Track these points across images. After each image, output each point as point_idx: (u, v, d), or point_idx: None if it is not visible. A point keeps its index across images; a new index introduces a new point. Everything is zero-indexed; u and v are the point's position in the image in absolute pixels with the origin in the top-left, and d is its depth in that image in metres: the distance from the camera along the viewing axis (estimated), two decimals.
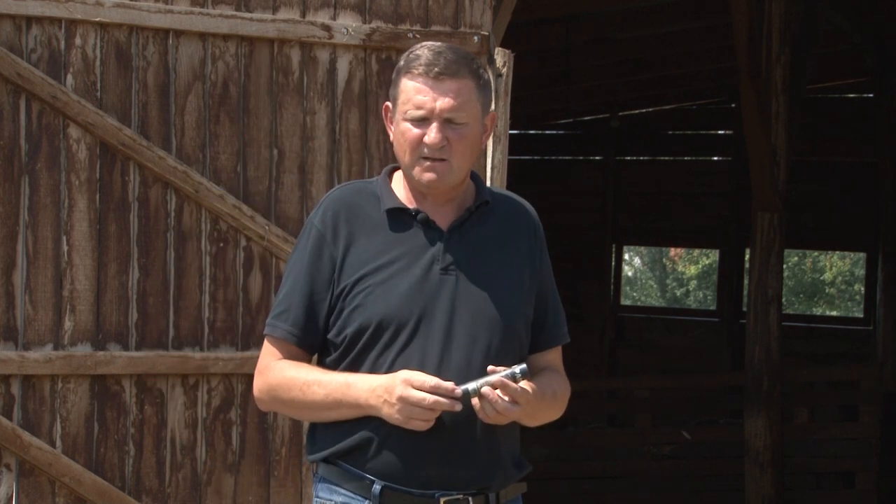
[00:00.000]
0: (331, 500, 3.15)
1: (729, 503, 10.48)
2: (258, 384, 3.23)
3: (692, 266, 27.55)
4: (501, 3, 5.36)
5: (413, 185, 3.18)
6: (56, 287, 4.67)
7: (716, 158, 14.88)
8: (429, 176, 3.12)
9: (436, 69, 3.09)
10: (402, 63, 3.15)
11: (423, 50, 3.13)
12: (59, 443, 4.68)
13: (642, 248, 26.79)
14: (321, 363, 3.21)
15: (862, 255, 15.68)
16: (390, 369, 3.08)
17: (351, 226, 3.16)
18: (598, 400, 13.59)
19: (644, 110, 14.83)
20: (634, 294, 27.50)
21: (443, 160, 3.11)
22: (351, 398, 3.07)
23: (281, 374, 3.17)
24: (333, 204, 3.20)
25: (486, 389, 3.00)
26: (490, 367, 3.04)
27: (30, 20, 4.64)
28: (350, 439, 3.11)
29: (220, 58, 4.86)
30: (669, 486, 11.01)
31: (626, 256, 26.92)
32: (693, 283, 27.46)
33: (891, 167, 12.52)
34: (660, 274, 28.65)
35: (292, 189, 4.96)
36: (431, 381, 3.00)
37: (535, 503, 11.20)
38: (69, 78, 4.69)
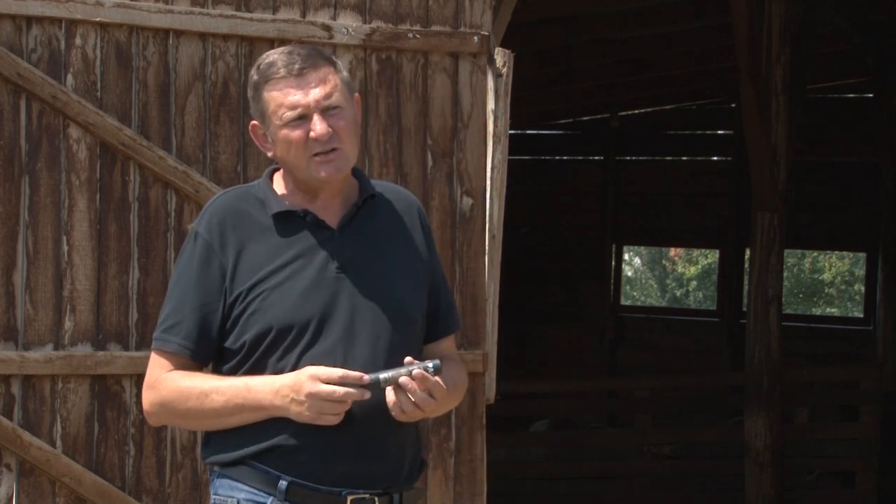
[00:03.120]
0: (231, 498, 3.10)
1: (729, 503, 10.48)
2: (148, 398, 3.17)
3: (692, 266, 27.54)
4: (501, 3, 5.36)
5: (306, 184, 3.13)
6: (56, 287, 4.67)
7: (716, 158, 14.87)
8: (328, 169, 3.09)
9: (295, 66, 3.08)
10: (256, 77, 3.12)
11: (273, 56, 3.11)
12: (59, 443, 4.68)
13: (642, 248, 26.78)
14: (217, 371, 3.17)
15: (862, 255, 15.67)
16: (294, 370, 3.04)
17: (239, 233, 3.11)
18: (598, 400, 13.60)
19: (644, 110, 14.82)
20: (634, 294, 27.48)
21: (335, 149, 3.08)
22: (253, 401, 3.03)
23: (174, 385, 3.12)
24: (218, 211, 3.15)
25: (404, 380, 2.98)
26: (407, 359, 3.02)
27: (30, 20, 4.64)
28: (260, 444, 3.06)
29: (221, 58, 4.86)
30: (669, 486, 11.01)
31: (626, 256, 26.92)
32: (693, 283, 27.46)
33: (891, 167, 12.52)
34: (660, 274, 28.64)
35: None
36: (338, 372, 2.97)
37: (535, 503, 11.24)
38: (69, 78, 4.69)
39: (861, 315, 15.71)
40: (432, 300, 3.24)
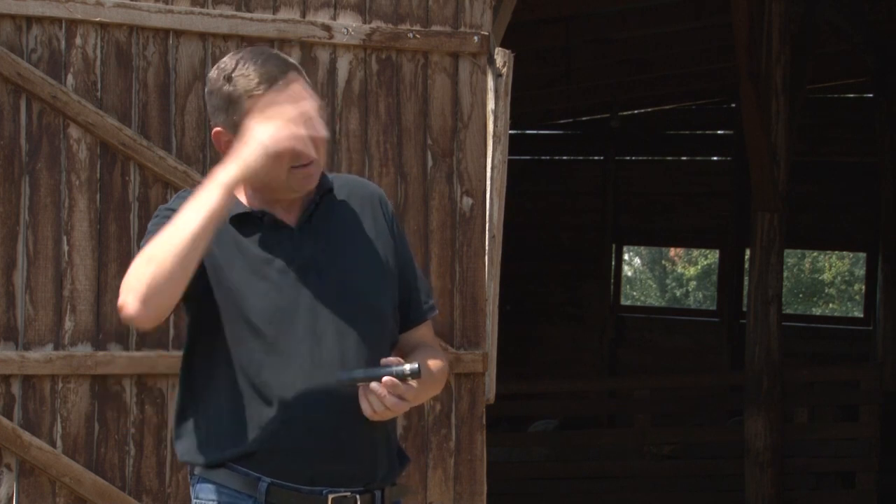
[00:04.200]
0: (212, 501, 3.08)
1: (729, 503, 10.48)
2: (124, 296, 2.91)
3: (692, 266, 27.55)
4: (501, 3, 5.36)
5: (268, 189, 3.08)
6: (56, 287, 4.67)
7: (716, 158, 14.88)
8: (308, 182, 3.07)
9: (279, 81, 3.02)
10: (231, 89, 3.05)
11: (249, 70, 3.05)
12: (59, 443, 4.68)
13: (642, 248, 26.78)
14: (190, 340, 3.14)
15: (862, 255, 15.67)
16: (260, 373, 3.02)
17: None
18: (598, 400, 13.61)
19: (644, 110, 14.83)
20: (634, 294, 27.49)
21: (313, 162, 3.05)
22: (211, 190, 2.91)
23: (140, 251, 2.98)
24: (185, 201, 3.04)
25: (374, 385, 2.96)
26: (383, 361, 2.99)
27: (30, 20, 4.64)
28: (241, 447, 3.04)
29: (221, 58, 4.86)
30: (669, 486, 11.01)
31: (626, 256, 26.92)
32: (693, 283, 27.46)
33: (891, 167, 12.52)
34: (660, 274, 28.65)
35: None
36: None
37: (535, 503, 11.24)
38: (69, 78, 4.69)
39: (861, 315, 15.72)
40: (402, 289, 3.20)
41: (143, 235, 3.13)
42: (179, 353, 4.74)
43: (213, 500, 3.08)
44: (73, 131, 4.69)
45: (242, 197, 3.13)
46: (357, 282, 3.11)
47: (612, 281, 15.22)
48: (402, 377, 2.98)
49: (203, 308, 3.08)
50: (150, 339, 4.79)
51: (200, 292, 3.05)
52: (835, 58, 12.62)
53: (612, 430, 12.24)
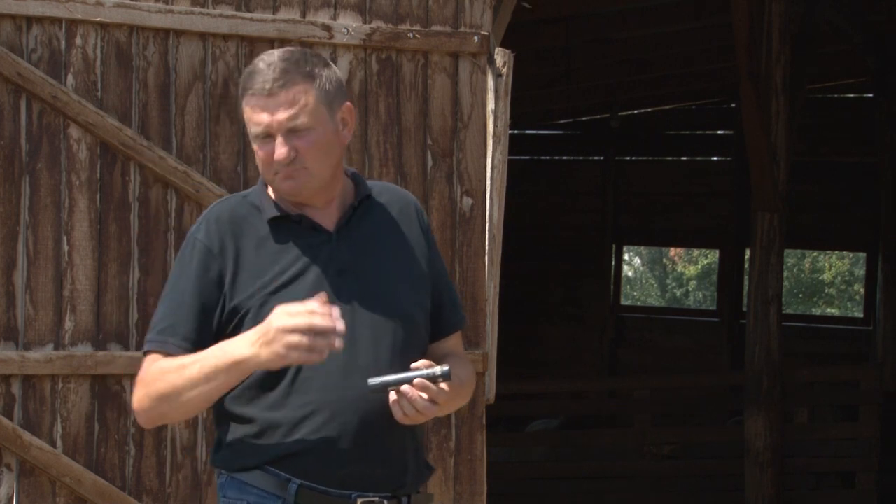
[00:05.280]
0: (242, 500, 3.09)
1: (729, 503, 10.48)
2: (136, 396, 3.13)
3: (692, 266, 27.55)
4: (501, 3, 5.36)
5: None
6: (56, 287, 4.67)
7: (716, 158, 14.88)
8: (288, 185, 3.09)
9: (266, 86, 3.06)
10: (241, 84, 3.13)
11: (256, 65, 3.10)
12: (59, 443, 4.68)
13: (642, 248, 26.78)
14: None
15: (862, 255, 15.67)
16: (295, 379, 3.05)
17: (237, 240, 3.12)
18: (598, 400, 13.60)
19: (644, 110, 14.83)
20: (634, 294, 27.49)
21: (299, 168, 3.08)
22: (227, 359, 2.98)
23: (156, 369, 3.08)
24: (217, 218, 3.15)
25: (405, 388, 2.98)
26: (413, 365, 3.02)
27: (30, 20, 4.64)
28: (272, 451, 3.05)
29: (221, 58, 4.86)
30: (669, 486, 11.01)
31: (626, 256, 26.92)
32: (693, 283, 27.46)
33: (891, 167, 12.52)
34: (660, 274, 28.65)
35: None
36: (306, 305, 2.92)
37: (535, 503, 11.24)
38: (69, 78, 4.69)
39: (861, 315, 15.71)
40: (435, 298, 3.24)
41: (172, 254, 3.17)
42: None
43: (241, 500, 3.10)
44: (74, 131, 4.69)
45: (277, 195, 3.17)
46: (392, 288, 3.14)
47: (612, 281, 15.22)
48: (432, 380, 3.00)
49: (235, 322, 3.10)
50: None
51: (228, 319, 3.10)
52: (835, 58, 12.62)
53: (612, 430, 12.23)
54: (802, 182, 12.45)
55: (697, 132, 14.96)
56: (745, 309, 11.91)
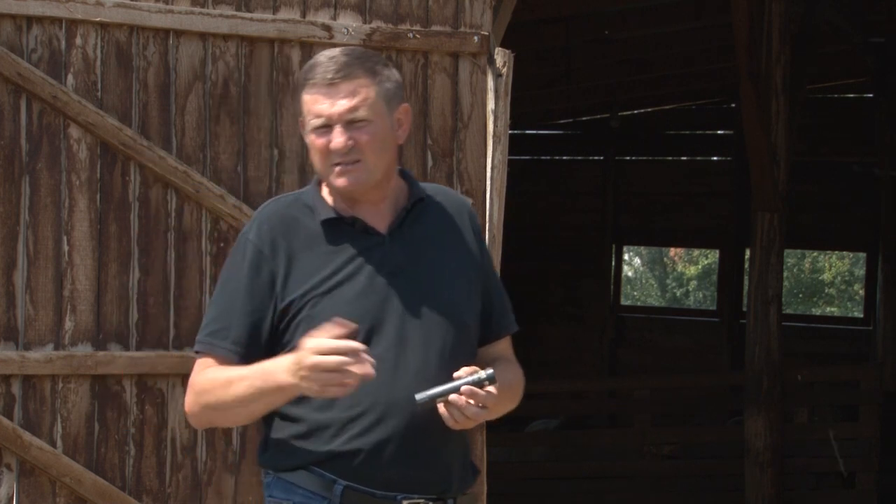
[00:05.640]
0: (287, 500, 3.11)
1: (729, 503, 10.48)
2: (188, 399, 3.19)
3: (692, 266, 27.54)
4: (501, 3, 5.36)
5: (335, 191, 3.16)
6: (56, 287, 4.67)
7: (716, 158, 14.88)
8: (342, 181, 3.11)
9: (328, 76, 3.09)
10: (299, 77, 3.17)
11: (317, 58, 3.14)
12: (59, 443, 4.68)
13: (642, 248, 26.78)
14: None
15: (862, 255, 15.67)
16: None
17: (289, 240, 3.13)
18: (598, 400, 13.60)
19: (644, 110, 14.83)
20: (634, 294, 27.49)
21: (356, 162, 3.10)
22: (271, 383, 3.02)
23: (205, 378, 3.13)
24: (269, 219, 3.17)
25: (453, 397, 2.99)
26: (456, 374, 3.02)
27: (30, 20, 4.64)
28: (319, 452, 3.07)
29: (221, 58, 4.86)
30: (669, 486, 11.00)
31: (626, 256, 26.92)
32: (693, 283, 27.46)
33: (891, 167, 12.52)
34: (660, 274, 28.65)
35: (292, 189, 4.95)
36: (333, 343, 2.93)
37: (535, 503, 11.24)
38: (70, 78, 4.69)
39: (861, 315, 15.71)
40: (485, 302, 3.24)
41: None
42: (179, 354, 4.78)
43: (287, 500, 3.11)
44: (74, 131, 4.69)
45: (330, 196, 3.18)
46: (443, 291, 3.15)
47: (612, 281, 15.22)
48: (479, 384, 3.00)
49: (286, 322, 3.12)
50: (151, 339, 4.79)
51: (279, 319, 3.12)
52: (835, 58, 12.62)
53: (612, 430, 12.23)
54: (802, 182, 12.45)
55: (697, 132, 14.96)
56: (745, 309, 11.91)
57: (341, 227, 3.15)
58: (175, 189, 4.80)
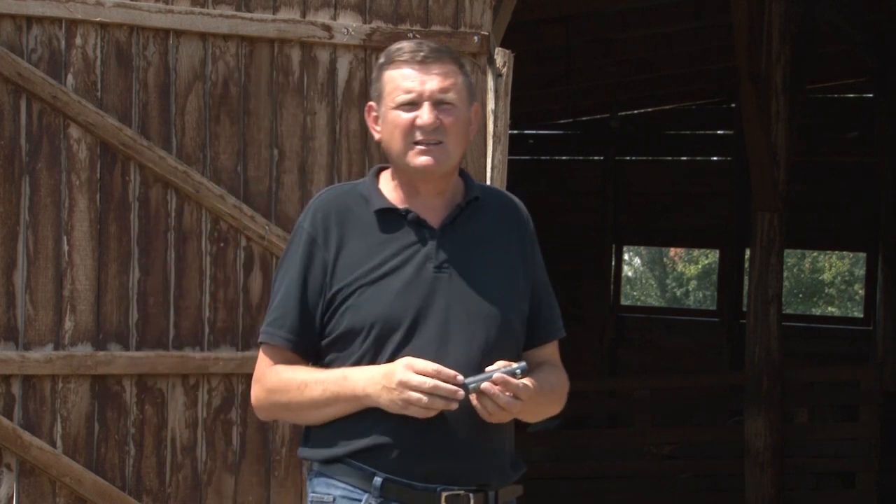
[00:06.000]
0: (329, 495, 3.12)
1: (729, 503, 10.48)
2: (255, 392, 3.21)
3: (692, 266, 27.55)
4: (501, 3, 5.36)
5: (406, 177, 3.17)
6: (56, 287, 4.67)
7: (716, 158, 14.89)
8: (424, 160, 3.12)
9: (421, 54, 3.12)
10: (382, 59, 3.18)
11: (404, 43, 3.17)
12: (59, 443, 4.68)
13: (642, 248, 26.79)
14: (323, 367, 3.19)
15: (862, 255, 15.67)
16: None
17: (341, 228, 3.15)
18: (598, 400, 13.60)
19: (644, 110, 14.83)
20: (634, 294, 27.50)
21: (438, 143, 3.11)
22: (348, 390, 3.05)
23: (277, 377, 3.15)
24: (323, 207, 3.18)
25: (485, 385, 3.00)
26: (488, 368, 3.04)
27: (30, 20, 4.64)
28: (356, 440, 3.08)
29: (221, 58, 4.86)
30: (669, 486, 11.01)
31: (626, 256, 26.92)
32: (693, 283, 27.47)
33: (891, 167, 12.52)
34: (660, 274, 28.66)
35: (292, 189, 4.96)
36: (433, 365, 2.99)
37: (535, 503, 11.23)
38: (69, 78, 4.69)
39: (861, 315, 15.72)
40: (533, 305, 3.25)
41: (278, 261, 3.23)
42: (179, 353, 4.78)
43: (328, 494, 3.12)
44: (74, 131, 4.69)
45: (389, 190, 3.19)
46: (489, 289, 3.16)
47: (612, 281, 15.22)
48: (511, 375, 3.01)
49: (333, 310, 3.13)
50: (151, 339, 4.79)
51: (327, 306, 3.13)
52: (835, 58, 12.62)
53: (612, 430, 12.23)
54: (802, 182, 12.45)
55: (697, 132, 14.96)
56: (745, 309, 11.91)
57: (394, 219, 3.16)
58: (175, 189, 4.80)
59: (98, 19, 4.70)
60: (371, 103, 3.21)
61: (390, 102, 3.13)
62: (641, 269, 29.27)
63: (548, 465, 11.22)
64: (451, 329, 3.10)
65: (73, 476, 4.67)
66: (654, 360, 14.39)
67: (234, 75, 4.87)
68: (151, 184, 4.78)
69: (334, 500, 3.11)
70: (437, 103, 3.11)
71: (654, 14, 11.53)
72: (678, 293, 27.61)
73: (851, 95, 14.13)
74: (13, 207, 4.63)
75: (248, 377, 4.83)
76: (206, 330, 4.85)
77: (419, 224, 3.16)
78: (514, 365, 3.03)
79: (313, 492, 3.17)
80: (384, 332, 3.08)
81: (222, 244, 4.87)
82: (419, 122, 3.10)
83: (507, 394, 3.01)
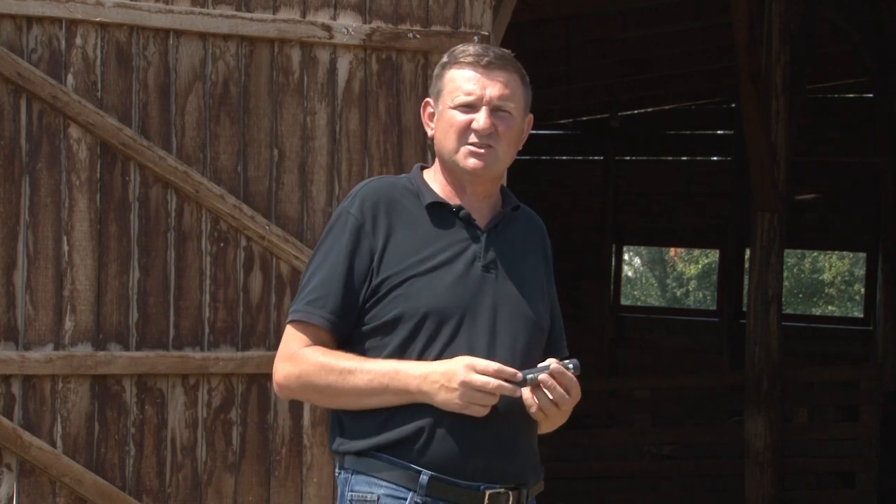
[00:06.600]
0: (371, 493, 3.08)
1: (729, 503, 10.48)
2: (283, 371, 3.15)
3: (692, 266, 27.55)
4: (501, 3, 5.36)
5: (454, 176, 3.19)
6: (56, 287, 4.67)
7: (716, 158, 14.88)
8: (474, 162, 3.15)
9: (485, 59, 3.16)
10: (446, 59, 3.20)
11: (469, 46, 3.20)
12: (59, 443, 4.68)
13: (642, 248, 26.78)
14: (360, 353, 3.16)
15: (862, 255, 15.67)
16: (437, 360, 3.07)
17: (390, 218, 3.15)
18: (598, 400, 13.59)
19: (644, 110, 14.83)
20: (634, 294, 27.50)
21: (489, 147, 3.15)
22: (399, 384, 3.04)
23: (314, 358, 3.11)
24: (371, 195, 3.18)
25: (543, 377, 3.03)
26: (541, 365, 3.07)
27: (30, 20, 4.65)
28: (397, 430, 3.07)
29: (221, 58, 4.86)
30: (669, 486, 11.00)
31: (626, 256, 26.92)
32: (693, 283, 27.46)
33: (891, 167, 12.52)
34: (660, 274, 28.65)
35: (292, 189, 4.97)
36: (494, 365, 3.01)
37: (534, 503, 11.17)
38: (70, 78, 4.69)
39: (861, 315, 15.71)
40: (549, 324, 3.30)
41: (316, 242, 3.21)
42: (179, 353, 4.78)
43: (371, 493, 3.09)
44: (74, 131, 4.70)
45: (436, 186, 3.21)
46: (529, 296, 3.20)
47: (612, 281, 15.22)
48: (565, 370, 3.06)
49: (377, 298, 3.13)
50: (151, 339, 4.79)
51: (371, 294, 3.13)
52: (835, 58, 12.62)
53: (612, 430, 12.23)
54: (802, 182, 12.44)
55: (697, 132, 14.96)
56: (745, 309, 11.91)
57: (444, 214, 3.18)
58: (175, 189, 4.80)
59: (98, 19, 4.70)
60: (428, 99, 3.24)
61: (449, 101, 3.16)
62: (641, 269, 29.27)
63: (548, 465, 11.21)
64: (499, 329, 3.13)
65: (73, 476, 4.67)
66: (654, 360, 14.38)
67: (234, 75, 4.87)
68: (151, 184, 4.78)
69: (378, 498, 3.08)
70: (495, 109, 3.16)
71: (654, 14, 11.53)
72: (678, 293, 27.61)
73: (851, 95, 14.13)
74: (13, 207, 4.63)
75: (249, 377, 4.85)
76: (206, 330, 4.85)
77: (469, 222, 3.19)
78: (568, 362, 3.09)
79: (352, 490, 3.12)
80: (435, 324, 3.08)
81: (222, 244, 4.87)
82: (475, 125, 3.14)
83: (562, 387, 3.05)
